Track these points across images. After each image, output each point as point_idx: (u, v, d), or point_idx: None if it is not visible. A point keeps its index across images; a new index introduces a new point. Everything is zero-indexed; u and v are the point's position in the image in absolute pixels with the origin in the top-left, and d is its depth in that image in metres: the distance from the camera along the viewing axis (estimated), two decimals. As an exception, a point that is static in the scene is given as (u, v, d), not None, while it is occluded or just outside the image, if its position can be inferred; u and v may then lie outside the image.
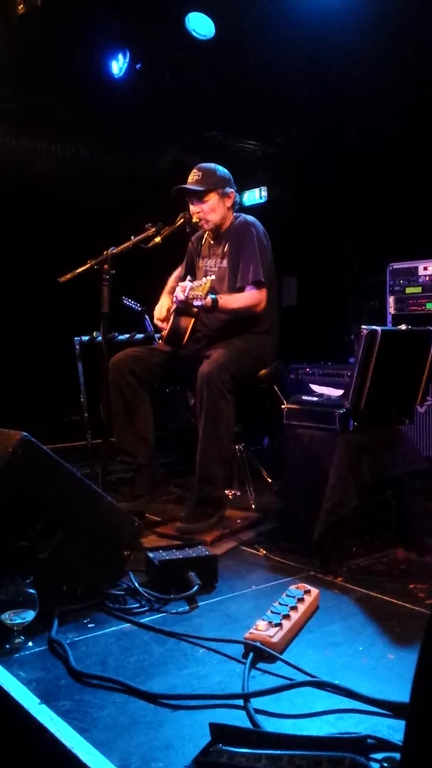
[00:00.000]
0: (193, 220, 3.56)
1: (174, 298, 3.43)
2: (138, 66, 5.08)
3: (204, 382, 3.19)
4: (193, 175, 3.55)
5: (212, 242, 3.72)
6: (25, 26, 4.64)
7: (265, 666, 1.97)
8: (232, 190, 3.59)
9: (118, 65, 5.16)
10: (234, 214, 3.67)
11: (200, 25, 4.60)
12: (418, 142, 5.06)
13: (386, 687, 1.84)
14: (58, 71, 5.07)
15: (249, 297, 3.43)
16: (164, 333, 3.63)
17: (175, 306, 3.50)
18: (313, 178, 6.21)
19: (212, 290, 3.39)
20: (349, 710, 1.73)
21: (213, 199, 3.53)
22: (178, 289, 3.33)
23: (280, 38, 4.60)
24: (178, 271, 3.92)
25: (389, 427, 3.17)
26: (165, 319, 3.65)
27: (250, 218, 3.64)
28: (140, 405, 3.50)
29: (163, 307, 3.71)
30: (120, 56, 5.13)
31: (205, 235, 3.77)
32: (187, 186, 3.53)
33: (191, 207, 3.56)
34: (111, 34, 5.04)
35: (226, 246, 3.60)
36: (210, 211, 3.53)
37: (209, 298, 3.23)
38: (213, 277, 3.40)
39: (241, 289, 3.47)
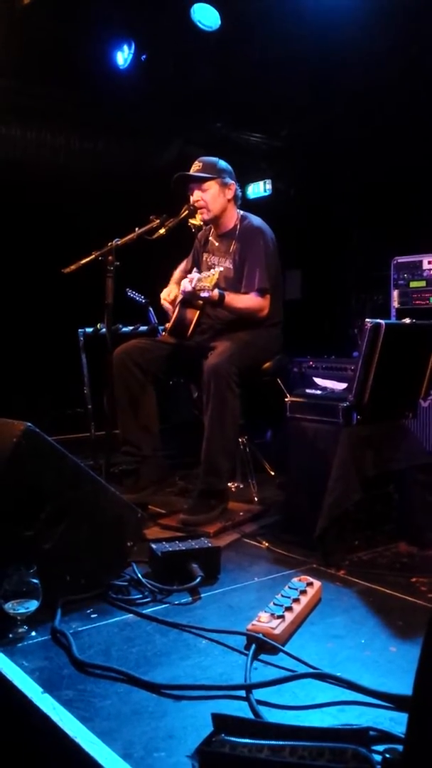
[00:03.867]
0: (193, 208, 3.56)
1: (181, 289, 3.44)
2: (143, 57, 5.05)
3: (212, 374, 3.19)
4: (195, 166, 3.59)
5: (218, 238, 3.72)
6: (30, 17, 4.62)
7: (267, 657, 1.98)
8: (232, 181, 3.61)
9: (123, 56, 5.13)
10: (239, 212, 3.68)
11: (206, 16, 4.56)
12: (423, 135, 5.04)
13: (388, 679, 1.84)
14: (62, 63, 5.04)
15: (253, 301, 3.45)
16: (169, 324, 3.63)
17: (181, 297, 3.50)
18: (317, 171, 6.19)
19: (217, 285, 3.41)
20: (351, 702, 1.74)
21: (213, 188, 3.54)
22: (185, 280, 3.35)
23: (286, 30, 4.57)
24: (183, 264, 3.93)
25: (392, 421, 3.16)
26: (172, 303, 3.65)
27: (258, 222, 3.64)
28: (144, 397, 3.50)
29: (171, 291, 3.71)
30: (125, 47, 5.10)
31: (211, 231, 3.77)
32: (188, 173, 3.56)
33: (192, 197, 3.57)
34: (116, 24, 5.01)
35: (233, 247, 3.62)
36: (210, 199, 3.54)
37: (216, 291, 3.25)
38: (221, 268, 3.41)
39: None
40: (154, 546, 2.62)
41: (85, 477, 2.40)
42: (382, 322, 2.86)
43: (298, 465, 3.16)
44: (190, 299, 3.42)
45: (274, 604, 2.18)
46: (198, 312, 3.50)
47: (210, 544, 2.67)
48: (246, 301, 3.45)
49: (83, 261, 3.26)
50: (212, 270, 3.19)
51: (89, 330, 4.59)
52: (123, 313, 4.15)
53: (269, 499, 3.64)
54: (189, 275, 3.34)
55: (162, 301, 3.73)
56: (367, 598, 2.45)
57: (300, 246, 6.08)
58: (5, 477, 2.18)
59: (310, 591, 2.33)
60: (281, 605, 2.16)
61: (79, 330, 4.61)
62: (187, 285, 3.29)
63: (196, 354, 3.43)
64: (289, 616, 2.12)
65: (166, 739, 1.57)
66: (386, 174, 5.48)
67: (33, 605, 2.09)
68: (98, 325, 4.51)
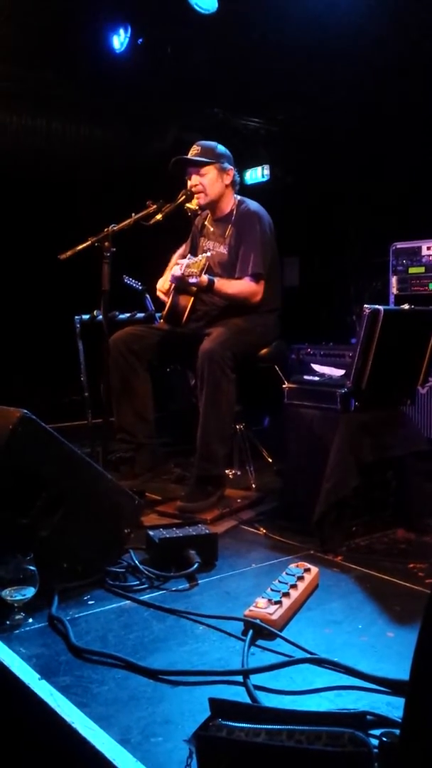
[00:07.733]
0: (190, 193, 3.53)
1: (171, 275, 3.43)
2: (139, 41, 5.01)
3: (205, 359, 3.18)
4: (193, 150, 3.57)
5: (213, 223, 3.70)
6: (25, 0, 4.57)
7: (264, 643, 1.98)
8: (231, 167, 3.59)
9: (119, 40, 5.09)
10: (236, 197, 3.66)
11: (203, -1, 4.53)
12: (422, 120, 5.01)
13: (385, 664, 1.85)
14: (58, 47, 5.00)
15: (246, 286, 3.42)
16: (164, 311, 3.61)
17: (172, 284, 3.49)
18: (315, 157, 6.15)
19: (208, 270, 3.38)
20: (348, 687, 1.74)
21: (211, 172, 3.52)
22: (175, 266, 3.34)
23: (284, 13, 4.52)
24: (181, 249, 3.90)
25: (390, 407, 3.16)
26: (167, 293, 3.64)
27: (255, 206, 3.61)
28: (139, 383, 3.49)
29: (166, 280, 3.70)
30: (121, 31, 5.06)
31: (207, 216, 3.75)
32: (187, 157, 3.54)
33: (189, 181, 3.55)
34: (112, 8, 4.96)
35: (228, 231, 3.59)
36: (208, 184, 3.52)
37: (205, 277, 3.23)
38: (209, 254, 3.40)
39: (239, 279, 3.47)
40: (151, 533, 2.62)
41: (82, 464, 2.40)
42: (381, 308, 2.85)
43: (296, 451, 3.15)
44: (181, 285, 3.40)
45: (272, 590, 2.18)
46: (192, 298, 3.48)
47: (207, 531, 2.67)
48: (237, 286, 3.43)
49: (79, 247, 3.23)
50: (200, 255, 3.17)
51: (86, 317, 4.57)
52: (120, 300, 4.13)
53: (267, 485, 3.65)
54: (179, 261, 3.33)
55: (158, 292, 3.71)
56: (365, 583, 2.45)
57: (298, 232, 6.05)
58: (2, 464, 2.17)
59: (308, 577, 2.33)
60: (278, 591, 2.16)
61: (76, 317, 4.59)
62: (176, 271, 3.28)
63: (191, 341, 3.41)
64: (287, 602, 2.12)
65: (163, 725, 1.57)
66: (385, 160, 5.45)
67: (30, 592, 2.09)
68: (95, 312, 4.48)
